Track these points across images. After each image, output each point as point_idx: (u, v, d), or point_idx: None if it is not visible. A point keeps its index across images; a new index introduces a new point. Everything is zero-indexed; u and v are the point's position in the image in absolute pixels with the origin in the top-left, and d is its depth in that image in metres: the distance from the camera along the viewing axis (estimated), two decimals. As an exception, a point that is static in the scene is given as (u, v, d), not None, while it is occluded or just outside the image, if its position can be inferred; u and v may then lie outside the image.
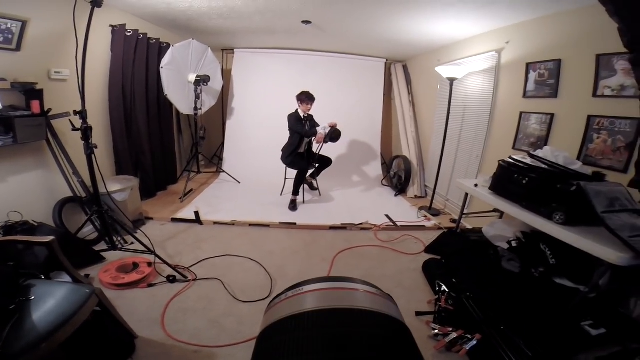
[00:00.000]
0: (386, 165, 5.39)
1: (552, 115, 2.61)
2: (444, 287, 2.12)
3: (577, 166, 1.97)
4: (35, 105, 2.28)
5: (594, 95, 2.27)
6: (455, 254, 2.52)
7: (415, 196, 4.51)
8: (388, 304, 0.98)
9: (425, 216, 3.76)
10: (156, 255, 2.36)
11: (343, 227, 3.38)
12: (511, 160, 2.22)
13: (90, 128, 2.06)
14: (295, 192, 3.83)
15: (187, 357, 1.68)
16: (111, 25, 3.13)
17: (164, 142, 4.24)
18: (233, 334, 1.85)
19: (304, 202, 4.05)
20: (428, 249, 2.92)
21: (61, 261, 1.59)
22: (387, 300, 1.01)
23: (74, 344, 1.41)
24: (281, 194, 4.18)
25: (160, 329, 1.84)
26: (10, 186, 2.27)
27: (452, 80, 3.46)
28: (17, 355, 1.10)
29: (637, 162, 1.18)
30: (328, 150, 4.09)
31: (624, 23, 1.12)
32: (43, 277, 1.69)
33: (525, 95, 2.89)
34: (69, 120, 2.14)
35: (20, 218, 2.19)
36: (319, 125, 3.83)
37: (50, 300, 1.35)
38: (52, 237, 1.56)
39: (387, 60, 5.42)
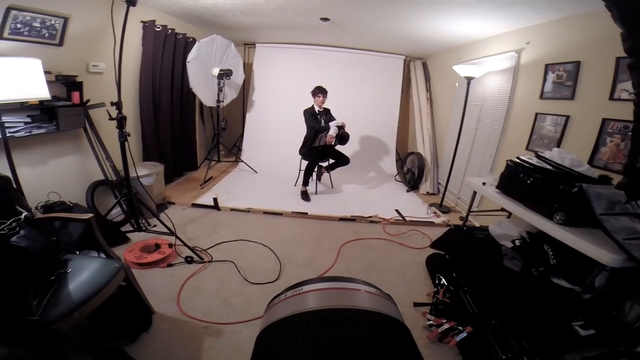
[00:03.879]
0: (401, 161, 5.43)
1: (568, 117, 2.58)
2: (443, 281, 2.20)
3: (584, 168, 1.98)
4: (75, 96, 2.52)
5: (611, 98, 2.23)
6: (459, 250, 2.58)
7: (428, 193, 4.54)
8: (388, 304, 0.98)
9: (435, 213, 3.80)
10: (177, 237, 2.56)
11: (352, 219, 3.49)
12: (518, 160, 2.25)
13: (125, 118, 2.25)
14: (305, 183, 3.99)
15: (197, 332, 1.81)
16: (142, 21, 3.34)
17: (185, 132, 4.48)
18: (241, 312, 2.00)
19: (316, 193, 4.19)
20: (433, 244, 2.98)
21: (96, 237, 1.74)
22: (387, 301, 1.00)
23: (98, 315, 1.54)
24: (295, 185, 4.33)
25: (176, 306, 2.00)
26: (51, 169, 2.53)
27: (469, 79, 3.45)
28: (53, 322, 1.22)
29: (625, 165, 1.22)
30: (343, 147, 4.16)
31: (626, 29, 1.15)
32: (78, 252, 1.88)
33: (542, 96, 2.86)
34: (106, 110, 2.35)
35: (58, 198, 2.42)
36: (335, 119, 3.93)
37: (84, 273, 1.48)
38: (91, 215, 1.72)
39: (406, 57, 5.41)
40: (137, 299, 1.81)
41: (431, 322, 1.94)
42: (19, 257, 1.33)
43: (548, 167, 2.03)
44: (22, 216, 1.50)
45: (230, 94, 4.81)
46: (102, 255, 1.82)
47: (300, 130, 4.08)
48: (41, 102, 2.20)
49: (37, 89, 1.95)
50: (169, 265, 2.42)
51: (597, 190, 1.75)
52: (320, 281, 1.01)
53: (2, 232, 1.36)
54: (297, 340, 0.80)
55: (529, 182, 2.08)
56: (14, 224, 1.43)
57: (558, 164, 1.99)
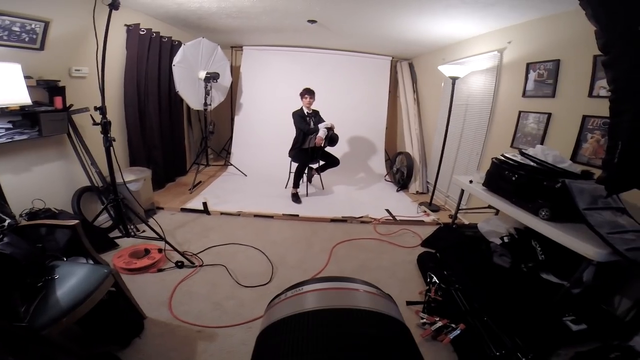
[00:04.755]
0: (390, 161, 5.48)
1: (549, 114, 2.64)
2: (434, 279, 2.22)
3: (566, 165, 2.04)
4: (58, 101, 2.46)
5: (590, 95, 2.30)
6: (449, 248, 2.61)
7: (417, 192, 4.60)
8: (388, 304, 0.98)
9: (425, 212, 3.85)
10: (167, 242, 2.52)
11: (343, 220, 3.50)
12: (502, 158, 2.29)
13: (109, 122, 2.22)
14: (295, 185, 3.98)
15: (190, 337, 1.80)
16: (126, 25, 3.29)
17: (174, 136, 4.42)
18: (234, 315, 1.98)
19: (307, 195, 4.18)
20: (424, 243, 3.01)
21: (83, 243, 1.72)
22: (387, 301, 1.01)
23: (89, 321, 1.52)
24: (285, 187, 4.33)
25: (167, 311, 1.98)
26: (35, 176, 2.46)
27: (454, 79, 3.51)
28: (41, 328, 1.21)
29: (604, 160, 1.26)
30: (333, 149, 4.17)
31: (599, 26, 1.19)
32: (65, 259, 1.86)
33: (524, 94, 2.93)
34: (90, 115, 2.30)
35: (43, 205, 2.36)
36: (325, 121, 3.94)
37: (72, 279, 1.46)
38: (77, 221, 1.69)
39: (393, 58, 5.47)
40: (128, 305, 1.78)
41: (424, 320, 1.95)
42: (3, 264, 1.30)
43: (532, 163, 2.08)
44: (6, 223, 1.47)
45: (217, 97, 4.78)
46: (90, 261, 1.79)
47: (289, 133, 4.08)
48: (22, 107, 2.15)
49: (18, 94, 1.91)
50: (159, 270, 2.39)
51: (579, 186, 1.80)
52: (319, 281, 1.02)
53: (-15, 240, 1.33)
54: (297, 340, 0.80)
55: (513, 179, 2.13)
56: (-3, 231, 1.39)
57: (541, 161, 2.04)
